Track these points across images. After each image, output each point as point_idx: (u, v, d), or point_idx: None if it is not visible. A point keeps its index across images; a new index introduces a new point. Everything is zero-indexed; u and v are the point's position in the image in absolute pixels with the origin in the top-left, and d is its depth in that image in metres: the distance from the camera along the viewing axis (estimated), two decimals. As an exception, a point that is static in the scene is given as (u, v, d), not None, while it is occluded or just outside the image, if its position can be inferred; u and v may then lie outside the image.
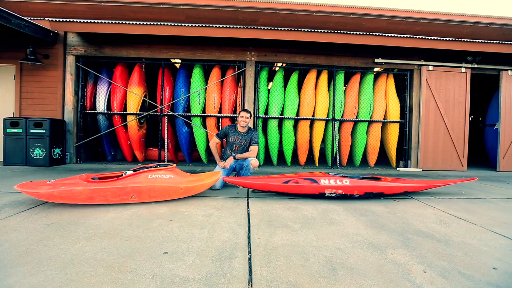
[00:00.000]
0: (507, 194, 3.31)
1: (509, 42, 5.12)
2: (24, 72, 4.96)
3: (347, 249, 1.63)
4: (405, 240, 1.80)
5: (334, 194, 2.69)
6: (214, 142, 3.42)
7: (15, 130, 4.47)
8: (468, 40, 5.07)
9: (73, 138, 5.07)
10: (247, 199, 2.73)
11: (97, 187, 2.21)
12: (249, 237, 1.76)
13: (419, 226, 2.07)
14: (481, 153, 7.54)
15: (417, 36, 5.08)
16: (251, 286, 1.20)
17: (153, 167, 2.70)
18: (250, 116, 3.33)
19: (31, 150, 4.48)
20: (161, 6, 5.30)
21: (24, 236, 1.68)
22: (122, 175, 2.62)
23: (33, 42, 4.74)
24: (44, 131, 4.48)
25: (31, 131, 4.47)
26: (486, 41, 5.12)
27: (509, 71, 5.54)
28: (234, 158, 3.21)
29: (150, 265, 1.36)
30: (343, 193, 2.69)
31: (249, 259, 1.45)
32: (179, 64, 5.73)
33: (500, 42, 5.13)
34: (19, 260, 1.38)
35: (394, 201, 2.78)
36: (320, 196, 2.71)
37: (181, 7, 5.34)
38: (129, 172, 2.58)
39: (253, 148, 3.30)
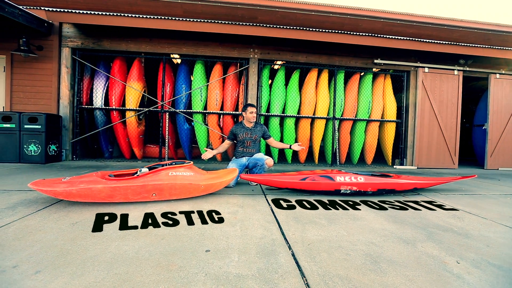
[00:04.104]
0: (503, 190, 3.53)
1: (496, 47, 5.43)
2: (15, 64, 4.68)
3: (380, 243, 1.69)
4: (429, 234, 1.88)
5: (349, 191, 2.76)
6: (227, 144, 3.43)
7: (8, 125, 4.21)
8: (461, 44, 5.33)
9: (69, 134, 4.86)
10: (265, 196, 2.75)
11: (117, 185, 2.15)
12: (283, 233, 1.78)
13: (437, 221, 2.17)
14: (467, 152, 7.96)
15: (414, 39, 5.26)
16: (306, 281, 1.23)
17: (169, 164, 2.65)
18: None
19: (25, 146, 4.25)
20: (158, -1, 5.14)
21: (52, 236, 1.61)
22: (136, 173, 2.56)
23: (26, 32, 4.48)
24: (40, 127, 4.26)
25: (25, 126, 4.24)
26: (475, 45, 5.40)
27: (497, 74, 5.87)
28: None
29: (198, 263, 1.35)
30: (357, 190, 2.77)
31: (293, 255, 1.47)
32: (178, 60, 5.62)
33: (490, 46, 5.42)
34: (59, 261, 1.32)
35: (405, 197, 2.89)
36: (336, 192, 2.78)
37: (178, 1, 5.20)
38: (144, 170, 2.52)
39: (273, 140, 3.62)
